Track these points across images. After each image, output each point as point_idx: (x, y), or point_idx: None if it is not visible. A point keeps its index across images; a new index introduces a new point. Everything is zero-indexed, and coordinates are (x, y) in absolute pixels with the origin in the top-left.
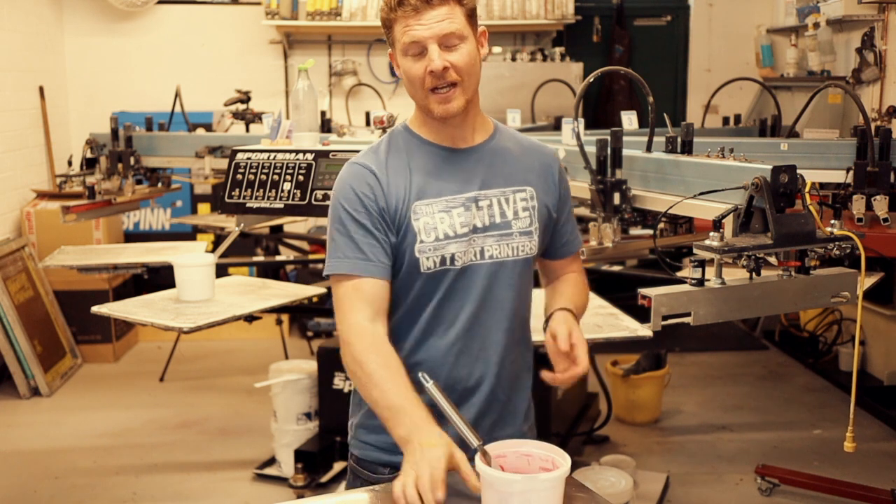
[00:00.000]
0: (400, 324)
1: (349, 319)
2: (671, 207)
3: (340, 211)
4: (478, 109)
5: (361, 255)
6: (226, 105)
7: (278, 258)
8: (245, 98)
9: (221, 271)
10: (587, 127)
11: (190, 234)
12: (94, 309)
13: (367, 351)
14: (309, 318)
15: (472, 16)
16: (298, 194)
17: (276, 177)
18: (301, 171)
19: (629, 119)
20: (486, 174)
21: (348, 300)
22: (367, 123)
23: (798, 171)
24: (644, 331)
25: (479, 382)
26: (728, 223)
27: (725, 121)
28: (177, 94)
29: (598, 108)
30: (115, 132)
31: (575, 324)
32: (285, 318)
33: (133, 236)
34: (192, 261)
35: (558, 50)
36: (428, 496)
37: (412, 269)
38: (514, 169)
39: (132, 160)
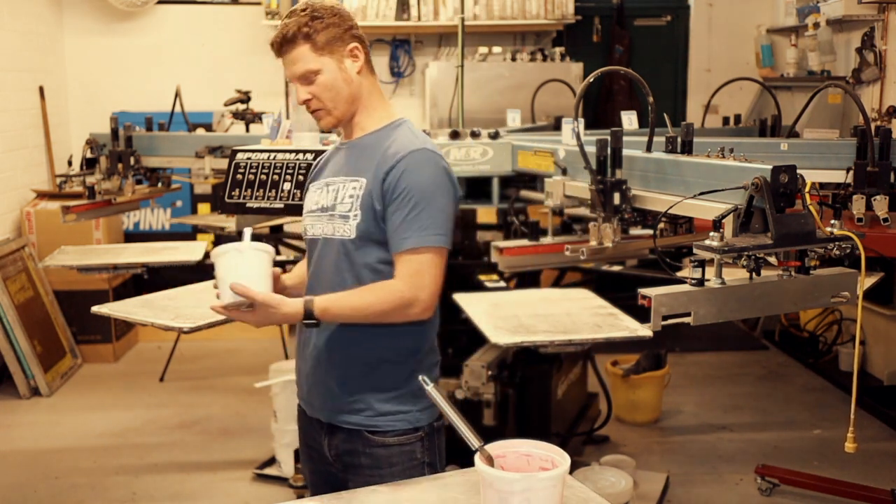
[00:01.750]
0: None
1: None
2: (671, 207)
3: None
4: (368, 112)
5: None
6: (226, 105)
7: (278, 258)
8: (245, 98)
9: None
10: (587, 127)
11: (190, 234)
12: (94, 309)
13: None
14: None
15: (327, 44)
16: (298, 194)
17: (276, 177)
18: (301, 171)
19: (629, 119)
20: (343, 164)
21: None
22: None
23: (798, 171)
24: (644, 331)
25: (306, 346)
26: (728, 223)
27: (725, 121)
28: (177, 94)
29: (598, 108)
30: (115, 132)
31: (283, 301)
32: None
33: (133, 236)
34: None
35: (558, 50)
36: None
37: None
38: (359, 161)
39: (132, 160)
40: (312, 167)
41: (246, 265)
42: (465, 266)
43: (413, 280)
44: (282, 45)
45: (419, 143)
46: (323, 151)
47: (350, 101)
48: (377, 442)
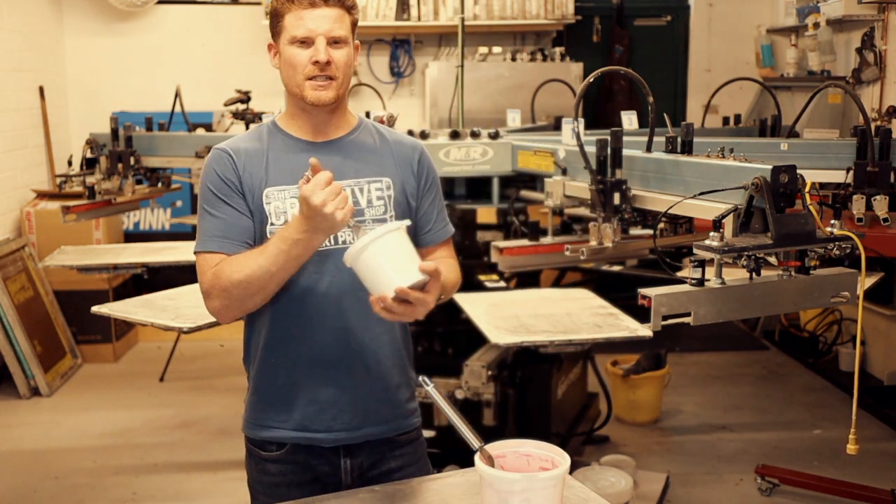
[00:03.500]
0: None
1: (204, 272)
2: (671, 207)
3: (207, 192)
4: (344, 109)
5: (226, 236)
6: (226, 105)
7: None
8: (245, 98)
9: None
10: (587, 127)
11: (190, 234)
12: (94, 309)
13: (229, 261)
14: None
15: (354, 26)
16: None
17: None
18: None
19: (629, 119)
20: (338, 165)
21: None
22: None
23: (798, 171)
24: (644, 331)
25: (330, 368)
26: (728, 223)
27: (725, 121)
28: (177, 94)
29: (598, 108)
30: (115, 132)
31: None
32: None
33: (133, 236)
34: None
35: (558, 50)
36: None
37: None
38: (369, 161)
39: (132, 160)
40: (238, 167)
41: (408, 243)
42: (465, 266)
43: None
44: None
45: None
46: None
47: (347, 90)
48: (404, 440)
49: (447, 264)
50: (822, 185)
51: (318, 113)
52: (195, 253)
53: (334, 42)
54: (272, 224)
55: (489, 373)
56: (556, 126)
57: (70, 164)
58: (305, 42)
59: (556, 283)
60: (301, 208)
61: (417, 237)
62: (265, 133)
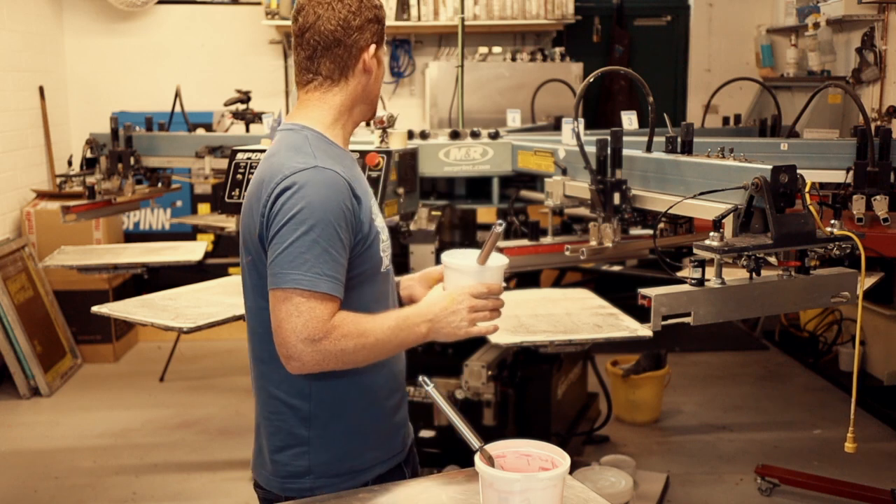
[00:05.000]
0: None
1: (318, 317)
2: (671, 207)
3: (327, 224)
4: None
5: (339, 277)
6: (226, 105)
7: None
8: (245, 98)
9: (221, 271)
10: (587, 127)
11: (190, 234)
12: (94, 309)
13: (350, 320)
14: None
15: None
16: None
17: None
18: None
19: (629, 119)
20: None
21: (315, 317)
22: (367, 124)
23: (798, 171)
24: (644, 331)
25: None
26: (728, 223)
27: (725, 121)
28: (177, 94)
29: (598, 108)
30: (115, 132)
31: None
32: None
33: (133, 236)
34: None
35: (558, 50)
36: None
37: (373, 271)
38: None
39: (132, 160)
40: (350, 183)
41: None
42: None
43: None
44: None
45: None
46: None
47: None
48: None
49: None
50: (822, 185)
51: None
52: (296, 290)
53: None
54: (383, 241)
55: (489, 373)
56: (556, 126)
57: (70, 164)
58: None
59: (556, 283)
60: (445, 300)
61: None
62: (325, 146)
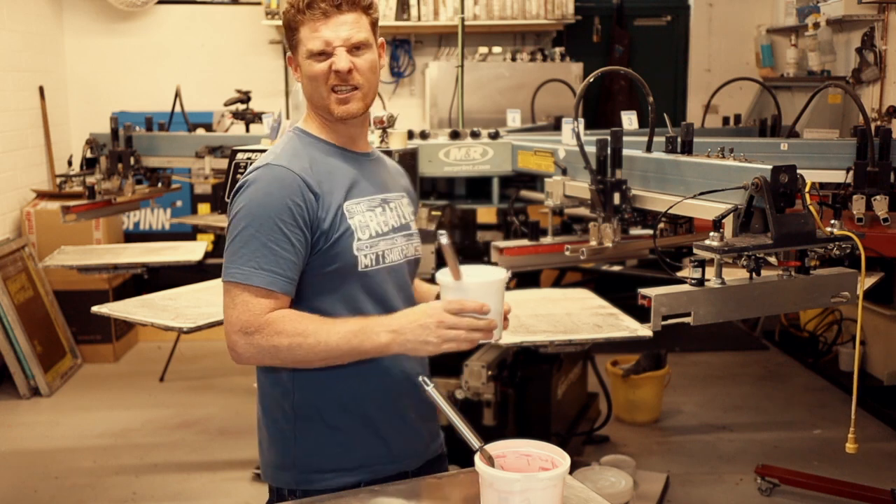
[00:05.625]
0: None
1: (251, 310)
2: (671, 207)
3: (266, 220)
4: (365, 121)
5: (280, 272)
6: (226, 105)
7: None
8: (245, 98)
9: (221, 271)
10: (587, 127)
11: (190, 234)
12: (94, 309)
13: (290, 318)
14: None
15: (375, 26)
16: None
17: None
18: None
19: (629, 119)
20: (384, 178)
21: (254, 309)
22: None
23: (798, 171)
24: (644, 331)
25: (401, 396)
26: (728, 223)
27: (725, 121)
28: (177, 94)
29: (598, 108)
30: (115, 132)
31: None
32: None
33: (133, 236)
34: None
35: (558, 50)
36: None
37: (347, 269)
38: (394, 178)
39: (132, 160)
40: (305, 178)
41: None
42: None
43: None
44: (342, 4)
45: None
46: None
47: (374, 97)
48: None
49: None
50: (822, 185)
51: (354, 123)
52: (231, 283)
53: (355, 48)
54: (359, 239)
55: (489, 373)
56: (556, 126)
57: (70, 164)
58: (324, 54)
59: (556, 283)
60: (416, 313)
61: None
62: (300, 145)
